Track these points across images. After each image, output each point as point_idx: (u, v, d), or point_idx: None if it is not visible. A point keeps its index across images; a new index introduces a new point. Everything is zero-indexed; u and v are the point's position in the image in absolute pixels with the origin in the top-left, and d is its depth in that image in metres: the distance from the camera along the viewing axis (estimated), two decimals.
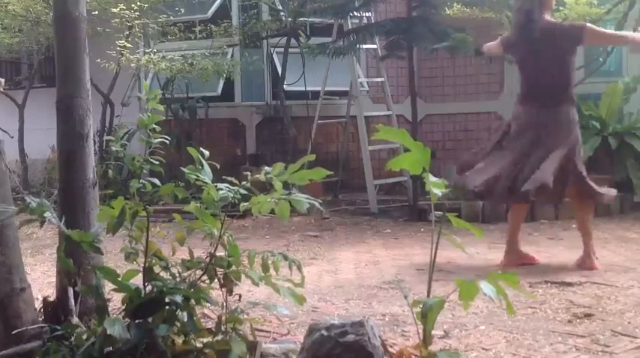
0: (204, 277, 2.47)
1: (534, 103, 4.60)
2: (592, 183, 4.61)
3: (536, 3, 4.57)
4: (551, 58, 4.57)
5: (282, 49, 8.70)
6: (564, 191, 4.58)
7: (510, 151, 4.61)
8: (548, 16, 4.66)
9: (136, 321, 2.34)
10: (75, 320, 2.64)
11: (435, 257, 2.47)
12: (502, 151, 4.69)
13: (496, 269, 4.28)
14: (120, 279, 2.40)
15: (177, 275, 2.48)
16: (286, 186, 2.40)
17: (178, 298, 2.35)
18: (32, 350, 2.51)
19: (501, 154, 4.66)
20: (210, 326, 2.57)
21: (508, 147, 4.67)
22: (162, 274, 2.47)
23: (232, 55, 8.97)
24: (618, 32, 4.97)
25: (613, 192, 4.84)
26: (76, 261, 2.57)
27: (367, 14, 8.21)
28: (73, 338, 2.50)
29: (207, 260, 2.47)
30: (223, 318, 2.51)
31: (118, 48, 7.83)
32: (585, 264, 4.49)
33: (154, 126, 2.59)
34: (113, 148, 2.64)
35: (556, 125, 4.52)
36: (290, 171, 2.36)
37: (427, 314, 2.36)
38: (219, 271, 2.50)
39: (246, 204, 2.41)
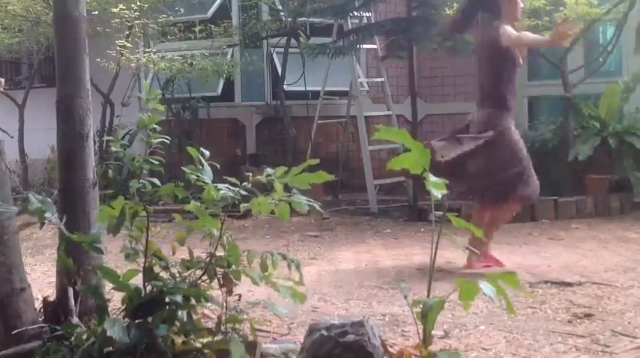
0: (204, 277, 2.47)
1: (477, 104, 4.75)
2: None
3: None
4: (483, 60, 4.72)
5: (282, 49, 8.70)
6: None
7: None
8: (506, 21, 4.62)
9: (136, 321, 2.34)
10: (75, 320, 2.64)
11: (435, 257, 2.47)
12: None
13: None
14: (120, 279, 2.40)
15: (177, 275, 2.48)
16: (286, 185, 2.40)
17: (178, 298, 2.35)
18: (32, 350, 2.51)
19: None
20: (210, 326, 2.57)
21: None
22: (162, 274, 2.47)
23: (232, 55, 8.96)
24: (533, 36, 4.90)
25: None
26: (76, 260, 2.57)
27: (367, 14, 8.21)
28: (73, 338, 2.50)
29: (207, 260, 2.47)
30: (223, 318, 2.51)
31: (118, 48, 7.82)
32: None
33: (154, 126, 2.59)
34: (113, 148, 2.64)
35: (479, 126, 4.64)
36: (291, 175, 2.36)
37: (427, 314, 2.36)
38: (219, 271, 2.50)
39: (246, 204, 2.41)
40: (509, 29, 4.54)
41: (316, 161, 2.45)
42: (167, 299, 2.36)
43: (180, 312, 2.40)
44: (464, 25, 4.82)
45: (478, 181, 4.61)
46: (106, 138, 8.09)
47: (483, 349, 2.96)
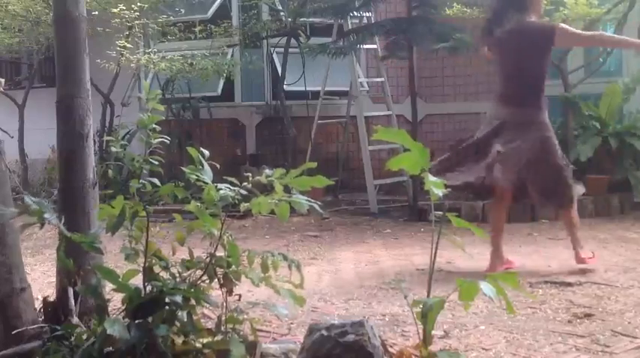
0: (204, 277, 2.47)
1: (505, 103, 4.57)
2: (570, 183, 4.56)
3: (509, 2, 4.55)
4: (523, 58, 4.51)
5: (282, 49, 8.70)
6: (527, 192, 4.56)
7: (482, 148, 4.54)
8: (534, 17, 4.58)
9: (136, 321, 2.34)
10: (75, 320, 2.64)
11: (435, 257, 2.47)
12: (476, 149, 4.59)
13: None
14: (120, 279, 2.40)
15: (177, 275, 2.48)
16: (286, 186, 2.40)
17: (178, 298, 2.35)
18: (32, 350, 2.51)
19: (476, 152, 4.58)
20: (210, 326, 2.57)
21: (480, 143, 4.58)
22: (162, 274, 2.46)
23: (232, 55, 8.96)
24: (590, 32, 4.96)
25: (580, 189, 4.79)
26: (76, 261, 2.57)
27: (367, 14, 8.21)
28: (73, 338, 2.50)
29: (207, 260, 2.47)
30: (223, 318, 2.51)
31: (118, 48, 7.82)
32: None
33: (154, 126, 2.59)
34: (113, 148, 2.64)
35: (523, 126, 4.47)
36: (290, 177, 2.36)
37: (427, 314, 2.36)
38: (219, 271, 2.50)
39: (246, 204, 2.41)
40: (568, 27, 4.57)
41: (314, 164, 2.45)
42: (167, 300, 2.36)
43: (180, 312, 2.40)
44: (496, 25, 4.61)
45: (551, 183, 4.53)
46: (106, 138, 8.10)
47: (483, 349, 2.96)
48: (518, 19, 4.52)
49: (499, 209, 4.62)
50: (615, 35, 4.85)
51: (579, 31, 5.05)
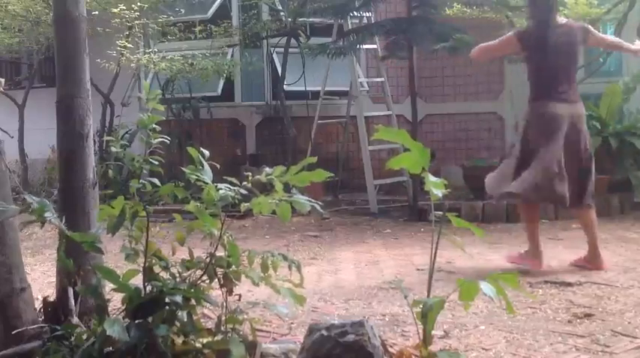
0: (204, 277, 2.47)
1: (560, 100, 4.59)
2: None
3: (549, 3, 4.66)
4: (571, 55, 4.65)
5: (282, 49, 8.70)
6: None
7: (548, 151, 4.51)
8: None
9: (136, 321, 2.34)
10: (75, 320, 2.64)
11: (435, 257, 2.47)
12: (533, 154, 4.55)
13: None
14: (120, 279, 2.40)
15: (177, 275, 2.48)
16: (286, 185, 2.40)
17: (178, 298, 2.35)
18: (32, 350, 2.51)
19: (536, 156, 4.53)
20: (210, 326, 2.57)
21: (540, 147, 4.54)
22: (162, 274, 2.47)
23: (232, 55, 8.97)
24: (613, 38, 5.21)
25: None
26: (76, 261, 2.57)
27: (367, 14, 8.22)
28: (73, 338, 2.50)
29: (207, 260, 2.47)
30: (223, 318, 2.51)
31: (118, 48, 7.83)
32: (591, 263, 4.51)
33: (154, 126, 2.59)
34: (113, 148, 2.64)
35: (577, 120, 4.59)
36: (291, 173, 2.36)
37: (427, 314, 2.36)
38: (219, 271, 2.50)
39: (246, 204, 2.42)
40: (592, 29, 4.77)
41: (314, 159, 2.45)
42: (167, 300, 2.36)
43: (180, 312, 2.40)
44: (544, 24, 4.66)
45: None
46: (106, 138, 8.09)
47: (483, 349, 2.96)
48: (555, 19, 4.67)
49: (534, 207, 4.70)
50: (632, 45, 4.94)
51: (604, 35, 5.34)
